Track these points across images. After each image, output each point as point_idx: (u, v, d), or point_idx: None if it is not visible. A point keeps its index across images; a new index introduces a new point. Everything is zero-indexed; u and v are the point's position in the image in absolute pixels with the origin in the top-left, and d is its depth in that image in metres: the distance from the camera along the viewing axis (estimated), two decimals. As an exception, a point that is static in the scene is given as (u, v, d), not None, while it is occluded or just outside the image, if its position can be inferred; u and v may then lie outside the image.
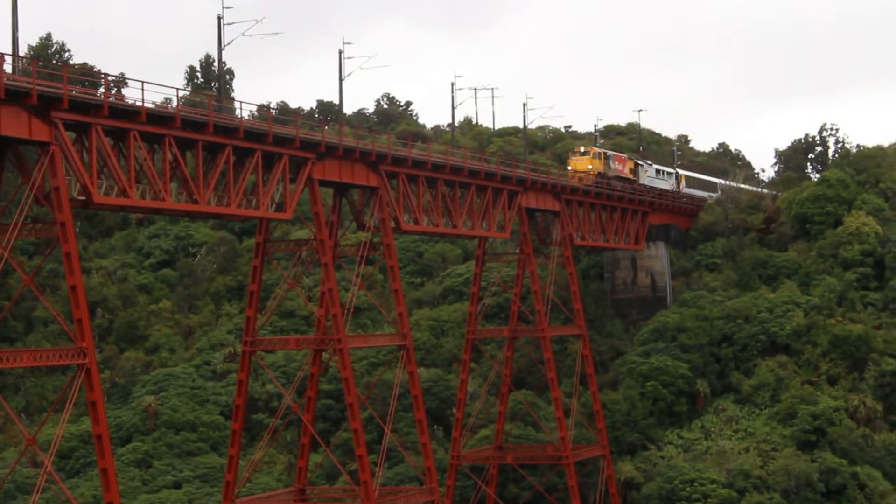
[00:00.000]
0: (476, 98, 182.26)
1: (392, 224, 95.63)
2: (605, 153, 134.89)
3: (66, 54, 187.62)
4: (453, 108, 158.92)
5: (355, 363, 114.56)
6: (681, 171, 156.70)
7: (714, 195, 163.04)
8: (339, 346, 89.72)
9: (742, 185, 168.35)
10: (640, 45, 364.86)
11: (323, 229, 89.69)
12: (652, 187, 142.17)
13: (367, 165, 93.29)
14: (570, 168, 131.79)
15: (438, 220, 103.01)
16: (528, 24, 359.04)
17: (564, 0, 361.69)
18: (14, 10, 71.18)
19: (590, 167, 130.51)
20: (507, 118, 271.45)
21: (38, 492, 70.06)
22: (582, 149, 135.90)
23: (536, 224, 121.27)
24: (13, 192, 71.04)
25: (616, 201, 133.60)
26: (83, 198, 70.44)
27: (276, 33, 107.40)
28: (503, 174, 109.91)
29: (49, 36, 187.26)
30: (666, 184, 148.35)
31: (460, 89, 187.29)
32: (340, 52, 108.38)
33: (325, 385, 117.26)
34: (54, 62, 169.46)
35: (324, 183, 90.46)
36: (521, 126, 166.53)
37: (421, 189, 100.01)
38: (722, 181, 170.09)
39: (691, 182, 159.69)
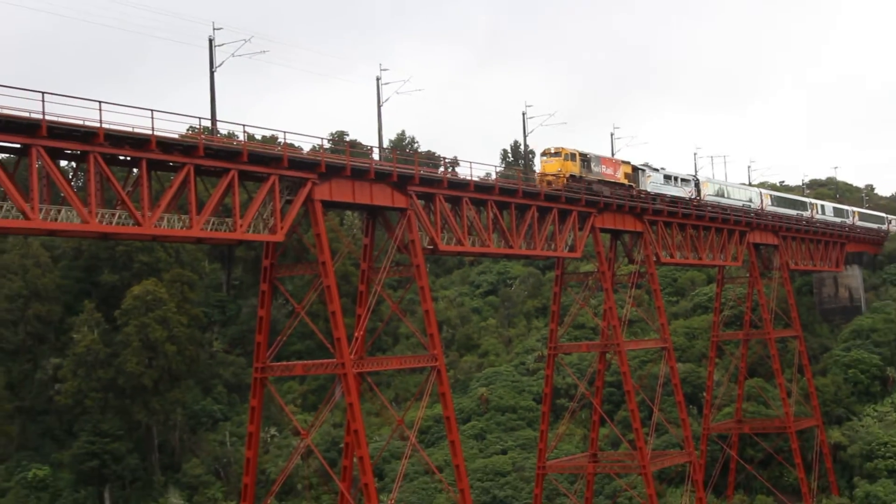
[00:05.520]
0: (712, 164, 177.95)
1: (654, 258, 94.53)
2: (580, 153, 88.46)
3: (416, 144, 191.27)
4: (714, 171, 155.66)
5: (630, 361, 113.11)
6: (701, 178, 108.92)
7: (884, 227, 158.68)
8: (618, 349, 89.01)
9: None
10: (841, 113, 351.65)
11: (604, 263, 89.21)
12: (659, 194, 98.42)
13: (635, 216, 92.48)
14: (537, 172, 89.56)
15: (688, 254, 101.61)
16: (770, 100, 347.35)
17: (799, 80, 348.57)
18: (379, 117, 72.68)
19: (559, 170, 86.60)
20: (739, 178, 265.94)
21: (406, 458, 70.82)
22: (553, 149, 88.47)
23: (761, 254, 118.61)
24: (382, 244, 72.15)
25: (821, 235, 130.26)
26: (431, 247, 71.11)
27: (564, 123, 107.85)
28: (735, 218, 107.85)
29: (403, 132, 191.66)
30: (681, 191, 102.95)
31: (702, 157, 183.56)
32: (611, 134, 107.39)
33: (608, 377, 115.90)
34: (407, 150, 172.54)
35: (604, 230, 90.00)
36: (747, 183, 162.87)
37: (675, 231, 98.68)
38: (893, 217, 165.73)
39: (864, 217, 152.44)
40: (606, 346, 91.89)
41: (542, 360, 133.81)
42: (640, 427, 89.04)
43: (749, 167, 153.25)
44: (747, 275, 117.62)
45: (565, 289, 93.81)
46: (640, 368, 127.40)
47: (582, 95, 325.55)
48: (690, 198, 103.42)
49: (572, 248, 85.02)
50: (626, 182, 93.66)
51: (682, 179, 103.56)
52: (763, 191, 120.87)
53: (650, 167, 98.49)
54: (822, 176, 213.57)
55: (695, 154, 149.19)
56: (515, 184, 78.14)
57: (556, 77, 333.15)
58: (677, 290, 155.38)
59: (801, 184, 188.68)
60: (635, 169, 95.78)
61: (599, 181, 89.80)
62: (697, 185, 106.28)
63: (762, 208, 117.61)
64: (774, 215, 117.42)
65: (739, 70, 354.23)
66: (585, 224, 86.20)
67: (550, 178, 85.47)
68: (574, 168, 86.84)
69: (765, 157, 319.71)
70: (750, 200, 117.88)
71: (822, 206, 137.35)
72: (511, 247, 77.65)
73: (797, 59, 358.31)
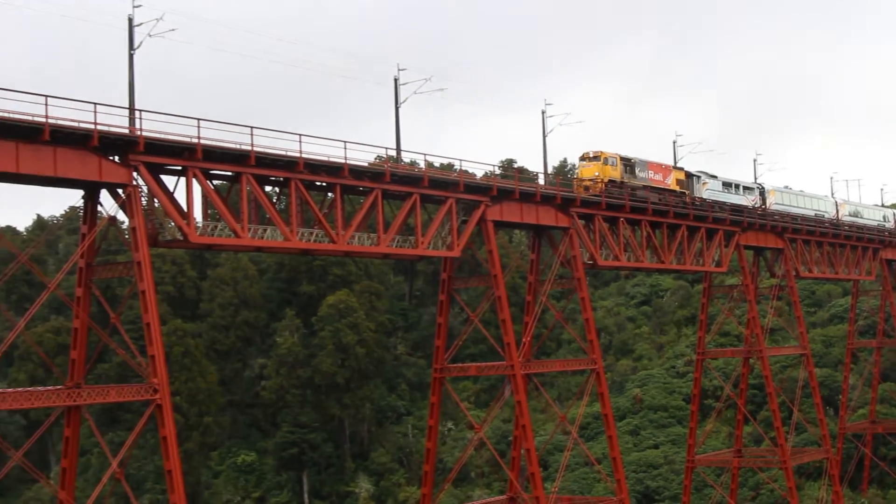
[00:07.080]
0: (847, 187, 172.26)
1: (794, 273, 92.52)
2: (621, 157, 75.91)
3: (577, 170, 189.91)
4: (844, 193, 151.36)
5: (771, 366, 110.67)
6: (767, 187, 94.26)
7: None
8: (760, 355, 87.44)
9: None
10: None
11: (747, 277, 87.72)
12: (717, 202, 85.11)
13: (776, 234, 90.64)
14: (576, 177, 76.30)
15: (825, 268, 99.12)
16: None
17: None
18: (544, 146, 72.77)
19: (597, 174, 74.14)
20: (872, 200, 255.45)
21: (568, 450, 70.66)
22: (591, 153, 75.66)
23: (893, 269, 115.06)
24: (547, 259, 72.13)
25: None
26: (591, 262, 70.72)
27: (711, 150, 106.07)
28: (868, 236, 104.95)
29: (565, 159, 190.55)
30: (743, 199, 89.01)
31: (837, 181, 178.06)
32: (754, 160, 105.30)
33: (751, 380, 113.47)
34: (569, 176, 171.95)
35: (747, 247, 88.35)
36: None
37: (813, 248, 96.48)
38: None
39: None
40: (750, 351, 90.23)
41: (690, 364, 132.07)
42: (780, 426, 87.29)
43: (881, 189, 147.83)
44: (880, 288, 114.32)
45: (712, 300, 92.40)
46: (780, 372, 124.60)
47: (729, 124, 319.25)
48: (753, 206, 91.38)
49: (718, 263, 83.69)
50: (677, 189, 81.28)
51: (745, 187, 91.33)
52: (839, 201, 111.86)
53: (706, 174, 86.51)
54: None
55: (831, 178, 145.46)
56: (667, 205, 77.29)
57: (706, 107, 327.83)
58: (815, 302, 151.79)
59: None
60: (689, 175, 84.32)
61: (645, 187, 77.44)
62: (763, 193, 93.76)
63: (838, 218, 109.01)
64: (852, 225, 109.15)
65: (881, 96, 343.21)
66: (731, 241, 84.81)
67: (588, 183, 74.04)
68: (614, 173, 74.82)
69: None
70: (822, 210, 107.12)
71: None
72: (663, 262, 76.78)
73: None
